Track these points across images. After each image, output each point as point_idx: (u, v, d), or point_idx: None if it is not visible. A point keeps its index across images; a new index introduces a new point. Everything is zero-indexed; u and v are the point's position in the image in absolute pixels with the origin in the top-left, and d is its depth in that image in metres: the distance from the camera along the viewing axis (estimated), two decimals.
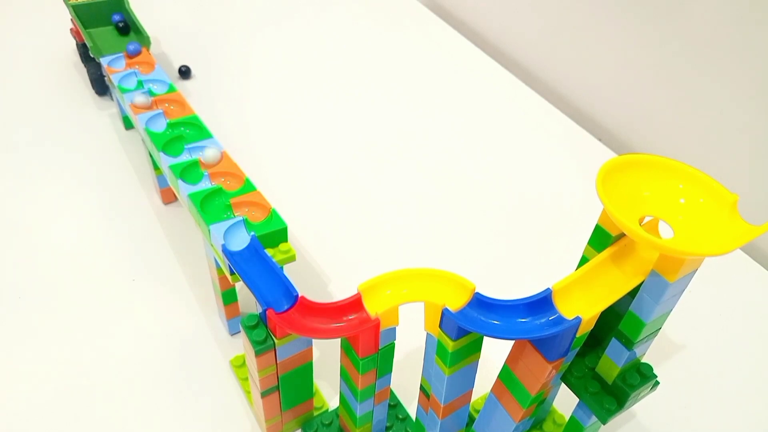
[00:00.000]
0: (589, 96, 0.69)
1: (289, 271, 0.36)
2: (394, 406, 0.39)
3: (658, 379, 0.31)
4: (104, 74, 0.58)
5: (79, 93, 0.66)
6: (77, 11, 0.60)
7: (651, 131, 0.63)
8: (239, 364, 0.41)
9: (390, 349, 0.31)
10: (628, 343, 0.29)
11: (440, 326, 0.29)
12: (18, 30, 0.75)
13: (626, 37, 0.62)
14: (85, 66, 0.65)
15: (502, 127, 0.66)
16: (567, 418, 0.36)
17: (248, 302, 0.45)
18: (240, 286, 0.43)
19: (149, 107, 0.47)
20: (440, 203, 0.56)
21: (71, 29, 0.63)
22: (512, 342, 0.29)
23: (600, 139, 0.65)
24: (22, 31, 0.75)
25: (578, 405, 0.33)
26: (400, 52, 0.76)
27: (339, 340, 0.31)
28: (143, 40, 0.58)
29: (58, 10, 0.60)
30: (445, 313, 0.28)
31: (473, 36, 0.81)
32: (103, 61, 0.54)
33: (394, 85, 0.71)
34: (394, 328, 0.30)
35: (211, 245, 0.37)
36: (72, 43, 0.70)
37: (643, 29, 0.60)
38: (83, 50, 0.63)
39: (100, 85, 0.65)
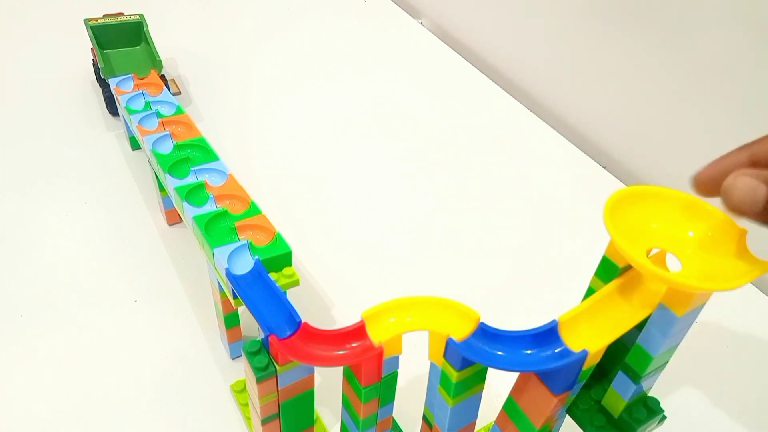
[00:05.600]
0: (594, 123, 0.69)
1: (292, 295, 0.36)
2: None
3: (665, 413, 0.30)
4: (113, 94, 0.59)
5: (94, 112, 0.66)
6: (95, 31, 0.60)
7: (658, 160, 0.63)
8: (240, 389, 0.41)
9: (393, 378, 0.31)
10: (635, 377, 0.28)
11: (444, 356, 0.28)
12: (43, 46, 0.76)
13: (633, 66, 0.63)
14: (100, 86, 0.65)
15: (506, 154, 0.66)
16: None
17: (250, 326, 0.44)
18: (242, 310, 0.43)
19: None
20: (446, 230, 0.56)
21: (92, 48, 0.63)
22: (517, 372, 0.29)
23: (604, 167, 0.65)
24: (46, 47, 0.76)
25: None
26: (409, 80, 0.76)
27: (341, 367, 0.31)
28: (156, 64, 0.59)
29: (84, 29, 0.62)
30: (449, 343, 0.27)
31: (481, 64, 0.81)
32: (112, 82, 0.55)
33: (403, 113, 0.71)
34: (398, 356, 0.30)
35: (215, 268, 0.37)
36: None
37: (649, 57, 0.61)
38: (98, 70, 0.64)
39: (114, 105, 0.65)
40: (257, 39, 0.82)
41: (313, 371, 0.33)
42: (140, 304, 0.47)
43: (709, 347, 0.47)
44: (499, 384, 0.34)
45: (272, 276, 0.35)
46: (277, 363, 0.31)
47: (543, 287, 0.51)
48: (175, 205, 0.43)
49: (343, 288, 0.49)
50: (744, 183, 0.24)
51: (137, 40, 0.63)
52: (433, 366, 0.30)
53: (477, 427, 0.33)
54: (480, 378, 0.29)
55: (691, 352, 0.45)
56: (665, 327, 0.26)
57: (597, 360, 0.28)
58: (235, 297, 0.36)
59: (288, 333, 0.30)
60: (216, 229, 0.38)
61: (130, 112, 0.50)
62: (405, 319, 0.29)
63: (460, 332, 0.28)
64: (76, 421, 0.39)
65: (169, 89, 0.55)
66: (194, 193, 0.41)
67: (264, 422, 0.34)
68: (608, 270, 0.28)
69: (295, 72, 0.76)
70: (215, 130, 0.64)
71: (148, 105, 0.51)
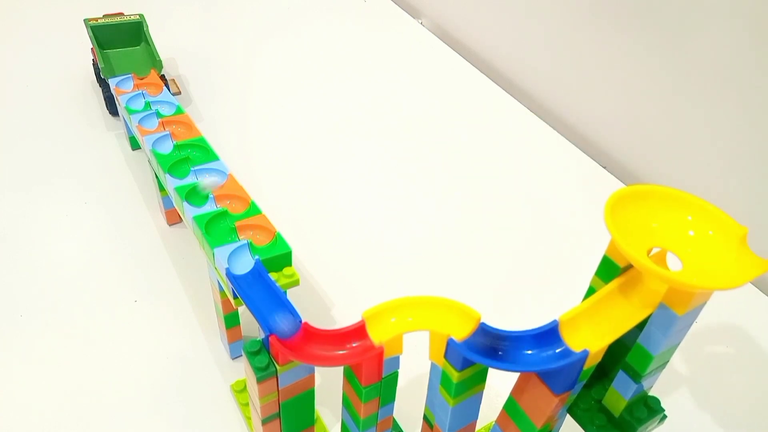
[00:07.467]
0: (594, 123, 0.69)
1: (292, 295, 0.36)
2: None
3: (665, 412, 0.30)
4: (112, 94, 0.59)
5: (94, 112, 0.66)
6: (95, 31, 0.60)
7: (658, 160, 0.63)
8: (240, 389, 0.41)
9: (393, 378, 0.31)
10: (636, 376, 0.28)
11: (445, 356, 0.28)
12: (43, 46, 0.76)
13: (633, 66, 0.63)
14: (100, 86, 0.65)
15: (506, 154, 0.66)
16: None
17: (250, 326, 0.44)
18: (242, 310, 0.43)
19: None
20: (446, 230, 0.56)
21: (92, 48, 0.63)
22: (518, 372, 0.29)
23: (604, 167, 0.65)
24: (46, 47, 0.76)
25: None
26: (409, 80, 0.76)
27: (341, 367, 0.31)
28: (156, 63, 0.59)
29: (84, 29, 0.62)
30: (450, 343, 0.27)
31: (481, 64, 0.81)
32: (112, 82, 0.55)
33: (403, 113, 0.71)
34: (398, 356, 0.30)
35: (215, 268, 0.37)
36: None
37: (649, 57, 0.61)
38: (98, 70, 0.64)
39: (114, 105, 0.65)
40: (257, 39, 0.82)
41: (313, 371, 0.33)
42: (140, 304, 0.47)
43: (709, 347, 0.47)
44: (499, 384, 0.34)
45: (272, 276, 0.35)
46: (277, 363, 0.31)
47: (543, 287, 0.51)
48: (175, 205, 0.43)
49: (343, 288, 0.49)
50: None
51: (137, 40, 0.63)
52: (433, 366, 0.30)
53: (477, 427, 0.33)
54: (480, 378, 0.29)
55: (691, 352, 0.45)
56: (666, 326, 0.26)
57: (598, 360, 0.28)
58: (235, 297, 0.36)
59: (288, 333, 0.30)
60: (216, 229, 0.38)
61: (130, 112, 0.50)
62: (406, 319, 0.29)
63: (461, 332, 0.28)
64: (76, 421, 0.39)
65: (169, 89, 0.55)
66: (194, 193, 0.41)
67: (264, 422, 0.34)
68: (609, 269, 0.28)
69: (295, 72, 0.76)
70: (215, 130, 0.64)
71: (148, 105, 0.51)
